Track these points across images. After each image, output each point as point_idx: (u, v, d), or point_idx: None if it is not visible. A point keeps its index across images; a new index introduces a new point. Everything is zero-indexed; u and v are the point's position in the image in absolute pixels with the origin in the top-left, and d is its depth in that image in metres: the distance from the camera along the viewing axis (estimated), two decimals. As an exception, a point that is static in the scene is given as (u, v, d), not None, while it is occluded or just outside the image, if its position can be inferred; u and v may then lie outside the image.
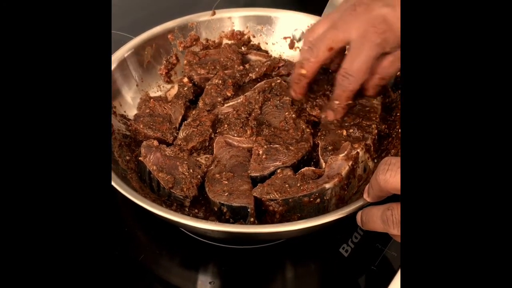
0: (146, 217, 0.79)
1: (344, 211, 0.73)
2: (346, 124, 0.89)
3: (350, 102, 0.86)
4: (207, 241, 0.84)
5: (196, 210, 0.81)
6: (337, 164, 0.80)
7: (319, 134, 0.88)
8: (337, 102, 0.85)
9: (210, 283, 0.81)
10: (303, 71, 0.84)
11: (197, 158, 0.84)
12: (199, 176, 0.81)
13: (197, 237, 0.84)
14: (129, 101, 0.96)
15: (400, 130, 0.88)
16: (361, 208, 0.74)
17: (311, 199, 0.77)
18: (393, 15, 0.77)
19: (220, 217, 0.79)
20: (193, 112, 0.91)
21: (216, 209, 0.79)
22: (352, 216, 0.74)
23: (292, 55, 1.06)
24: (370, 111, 0.91)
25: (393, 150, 0.87)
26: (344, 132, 0.87)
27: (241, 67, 0.97)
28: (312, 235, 0.82)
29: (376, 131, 0.88)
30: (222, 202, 0.77)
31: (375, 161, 0.88)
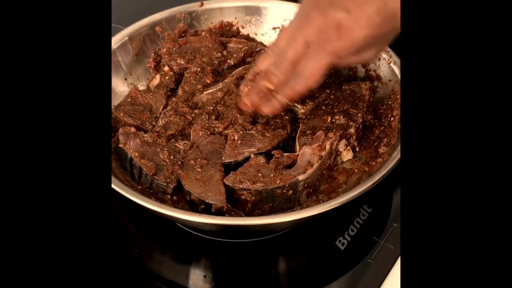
0: (136, 210, 0.79)
1: (337, 202, 0.73)
2: (335, 110, 0.88)
3: (290, 104, 0.83)
4: (201, 234, 0.83)
5: (175, 198, 0.81)
6: (309, 154, 0.80)
7: (303, 117, 0.88)
8: (278, 97, 0.80)
9: (204, 276, 0.80)
10: (271, 86, 0.80)
11: (175, 144, 0.84)
12: (179, 162, 0.81)
13: (190, 231, 0.84)
14: (118, 94, 0.95)
15: (392, 119, 0.88)
16: (354, 198, 0.74)
17: (284, 191, 0.77)
18: (349, 21, 0.72)
19: (192, 207, 0.79)
20: (173, 100, 0.91)
21: (188, 199, 0.79)
22: (344, 207, 0.74)
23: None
24: (360, 99, 0.90)
25: (385, 139, 0.86)
26: (329, 119, 0.86)
27: (219, 54, 0.96)
28: (308, 228, 0.82)
29: (361, 120, 0.87)
30: (196, 195, 0.77)
31: (357, 149, 0.88)
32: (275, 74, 0.79)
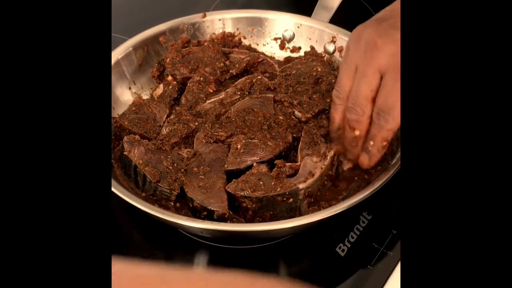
0: (140, 216, 0.80)
1: (337, 208, 0.75)
2: None
3: (386, 143, 0.78)
4: (204, 241, 0.84)
5: (178, 204, 0.82)
6: (311, 164, 0.81)
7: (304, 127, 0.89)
8: (372, 143, 0.78)
9: (206, 283, 0.81)
10: (357, 133, 0.77)
11: (179, 152, 0.85)
12: (182, 169, 0.82)
13: (193, 237, 0.84)
14: (123, 103, 0.97)
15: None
16: (353, 205, 0.75)
17: (284, 199, 0.78)
18: None
19: (195, 214, 0.80)
20: (176, 109, 0.93)
21: (191, 205, 0.80)
22: (345, 214, 0.75)
23: (283, 55, 1.07)
24: None
25: None
26: None
27: (222, 64, 0.98)
28: (309, 234, 0.83)
29: None
30: (198, 202, 0.78)
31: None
32: (356, 120, 0.76)
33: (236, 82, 0.94)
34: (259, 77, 0.94)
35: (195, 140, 0.86)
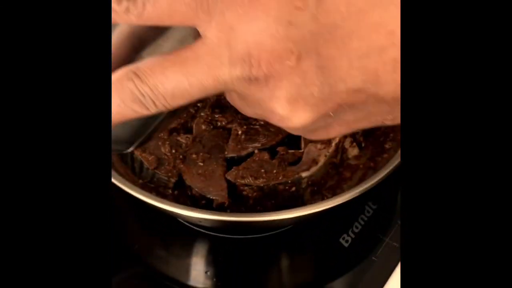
0: (137, 204, 0.78)
1: (341, 198, 0.71)
2: None
3: None
4: (202, 230, 0.83)
5: (176, 192, 0.80)
6: (315, 151, 0.79)
7: None
8: None
9: (206, 272, 0.80)
10: None
11: (177, 138, 0.82)
12: (181, 156, 0.80)
13: (192, 226, 0.83)
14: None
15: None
16: (360, 193, 0.72)
17: (286, 187, 0.76)
18: None
19: (193, 202, 0.78)
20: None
21: (189, 193, 0.78)
22: (349, 204, 0.72)
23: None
24: None
25: (391, 134, 0.84)
26: None
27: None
28: (312, 224, 0.82)
29: None
30: (197, 189, 0.76)
31: (362, 145, 0.85)
32: None
33: None
34: None
35: (194, 125, 0.84)
